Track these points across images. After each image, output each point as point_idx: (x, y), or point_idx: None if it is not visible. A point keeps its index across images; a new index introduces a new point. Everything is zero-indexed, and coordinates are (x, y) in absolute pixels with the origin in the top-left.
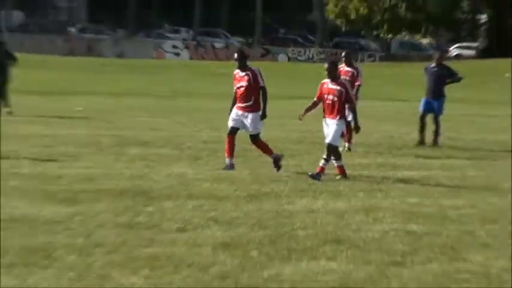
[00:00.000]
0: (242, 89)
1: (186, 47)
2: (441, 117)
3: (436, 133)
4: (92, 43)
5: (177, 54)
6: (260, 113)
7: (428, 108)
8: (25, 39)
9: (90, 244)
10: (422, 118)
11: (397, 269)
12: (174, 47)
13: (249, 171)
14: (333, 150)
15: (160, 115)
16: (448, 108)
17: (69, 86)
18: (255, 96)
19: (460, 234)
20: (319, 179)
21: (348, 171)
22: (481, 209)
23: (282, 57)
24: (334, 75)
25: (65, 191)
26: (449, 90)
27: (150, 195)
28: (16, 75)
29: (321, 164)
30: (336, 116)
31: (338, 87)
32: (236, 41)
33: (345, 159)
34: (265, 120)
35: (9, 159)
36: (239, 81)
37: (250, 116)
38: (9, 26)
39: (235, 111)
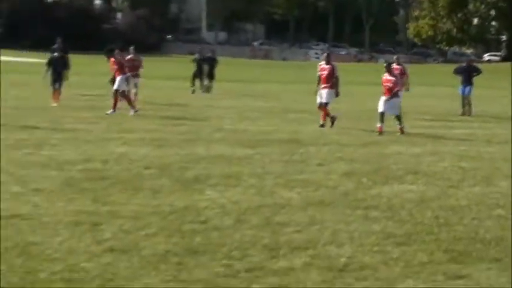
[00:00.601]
0: (324, 75)
1: (323, 54)
2: (471, 96)
3: (469, 107)
4: (267, 52)
5: (318, 58)
6: (333, 90)
7: (464, 92)
8: (226, 49)
9: (264, 172)
10: (463, 98)
11: (453, 190)
12: (316, 53)
13: (361, 129)
14: (398, 118)
15: (307, 95)
16: (483, 92)
17: (253, 77)
18: (331, 80)
19: (492, 169)
20: (403, 133)
21: (420, 130)
22: (504, 154)
23: (381, 60)
24: (389, 70)
25: (249, 140)
26: (482, 79)
27: (300, 143)
28: (219, 70)
29: (399, 126)
30: (392, 95)
31: (392, 78)
32: (354, 50)
33: (419, 122)
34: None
35: (215, 120)
36: (323, 70)
37: (326, 91)
38: (218, 40)
39: (320, 92)
